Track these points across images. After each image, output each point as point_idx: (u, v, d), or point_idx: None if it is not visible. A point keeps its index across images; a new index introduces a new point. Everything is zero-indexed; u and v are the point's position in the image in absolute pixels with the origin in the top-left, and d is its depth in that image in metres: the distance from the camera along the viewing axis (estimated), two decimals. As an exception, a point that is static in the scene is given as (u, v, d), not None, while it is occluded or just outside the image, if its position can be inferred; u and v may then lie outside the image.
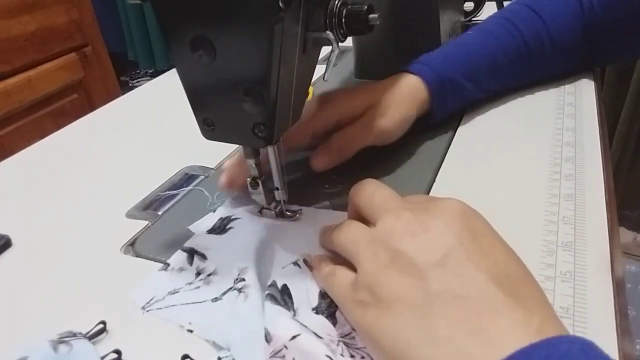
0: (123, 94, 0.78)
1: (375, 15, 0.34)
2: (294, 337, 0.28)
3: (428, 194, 0.43)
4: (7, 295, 0.37)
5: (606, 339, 0.28)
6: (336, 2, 0.33)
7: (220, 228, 0.40)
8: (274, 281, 0.33)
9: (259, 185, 0.38)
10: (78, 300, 0.35)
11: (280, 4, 0.28)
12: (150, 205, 0.46)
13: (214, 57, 0.31)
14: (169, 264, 0.37)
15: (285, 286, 0.33)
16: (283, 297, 0.32)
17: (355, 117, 0.45)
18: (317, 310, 0.31)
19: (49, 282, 0.38)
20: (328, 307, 0.31)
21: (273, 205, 0.40)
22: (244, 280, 0.33)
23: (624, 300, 0.32)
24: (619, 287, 0.32)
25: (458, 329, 0.23)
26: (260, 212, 0.41)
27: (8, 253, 0.42)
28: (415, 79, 0.48)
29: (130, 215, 0.45)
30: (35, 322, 0.34)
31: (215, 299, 0.34)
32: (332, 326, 0.30)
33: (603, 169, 0.43)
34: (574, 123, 0.51)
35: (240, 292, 0.33)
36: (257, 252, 0.37)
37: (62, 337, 0.30)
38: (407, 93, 0.47)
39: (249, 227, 0.40)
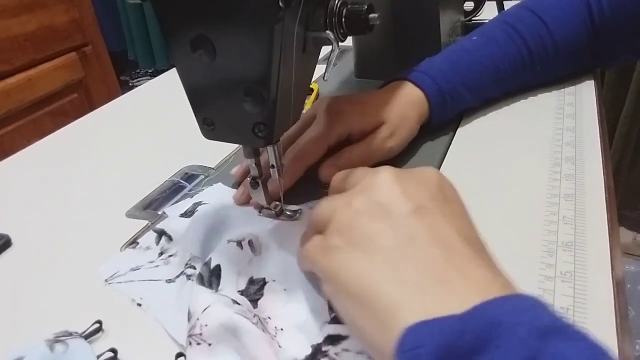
0: (123, 94, 0.78)
1: (376, 15, 0.34)
2: (205, 309, 0.29)
3: (428, 194, 0.43)
4: (7, 294, 0.37)
5: (606, 340, 0.28)
6: (336, 2, 0.33)
7: (191, 213, 0.41)
8: (210, 260, 0.34)
9: (259, 185, 0.38)
10: (78, 300, 0.35)
11: (281, 4, 0.28)
12: (150, 205, 0.46)
13: (215, 57, 0.31)
14: (138, 243, 0.39)
15: (218, 267, 0.33)
16: (211, 278, 0.33)
17: (366, 133, 0.45)
18: (242, 293, 0.32)
19: (49, 281, 0.38)
20: (255, 294, 0.32)
21: (273, 205, 0.40)
22: (194, 268, 0.35)
23: (624, 300, 0.32)
24: (619, 287, 0.32)
25: (427, 275, 0.24)
26: (260, 212, 0.41)
27: (8, 253, 0.42)
28: (417, 92, 0.49)
29: (131, 215, 0.45)
30: (35, 322, 0.34)
31: (169, 281, 0.35)
32: (252, 307, 0.31)
33: (603, 169, 0.43)
34: (575, 123, 0.51)
35: (189, 279, 0.34)
36: (208, 235, 0.37)
37: (58, 337, 0.30)
38: (412, 109, 0.48)
39: (211, 213, 0.40)
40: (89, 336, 0.31)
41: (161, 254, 0.38)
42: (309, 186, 0.45)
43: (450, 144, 0.50)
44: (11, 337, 0.33)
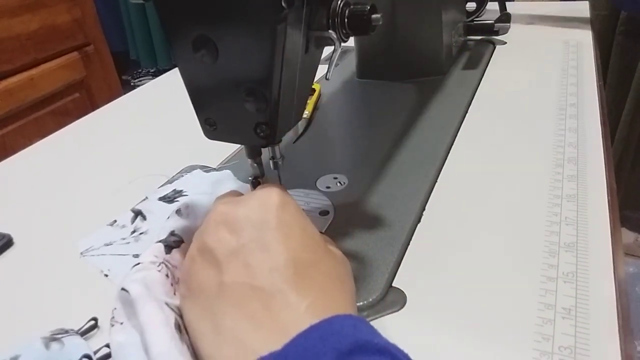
0: (125, 94, 0.78)
1: (378, 16, 0.34)
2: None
3: (430, 194, 0.43)
4: (8, 293, 0.37)
5: (608, 340, 0.28)
6: (339, 2, 0.33)
7: (170, 198, 0.44)
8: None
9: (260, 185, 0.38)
10: (79, 300, 0.35)
11: (283, 4, 0.28)
12: (152, 205, 0.46)
13: (216, 57, 0.31)
14: (116, 220, 0.42)
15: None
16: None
17: None
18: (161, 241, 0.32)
19: (51, 281, 0.38)
20: (172, 243, 0.32)
21: None
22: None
23: (626, 301, 0.32)
24: (621, 288, 0.32)
25: (240, 318, 0.24)
26: None
27: (10, 252, 0.42)
28: None
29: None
30: (37, 320, 0.34)
31: (135, 255, 0.37)
32: (162, 250, 0.31)
33: (605, 170, 0.43)
34: (577, 124, 0.51)
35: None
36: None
37: (54, 334, 0.30)
38: None
39: (194, 205, 0.39)
40: (84, 333, 0.31)
41: (133, 231, 0.41)
42: (307, 177, 0.45)
43: (452, 145, 0.50)
44: (13, 336, 0.33)
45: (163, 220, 0.36)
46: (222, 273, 0.26)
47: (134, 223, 0.42)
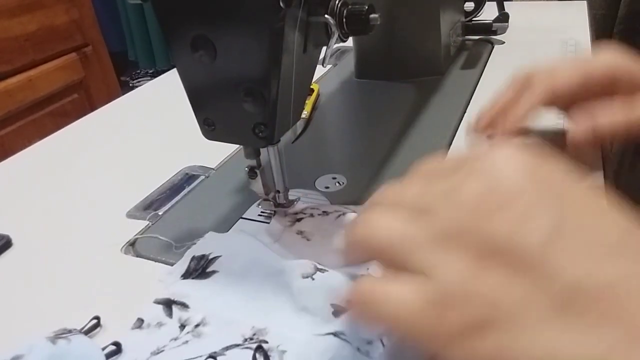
0: (123, 94, 0.78)
1: (376, 16, 0.34)
2: None
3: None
4: (7, 294, 0.37)
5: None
6: (337, 2, 0.33)
7: (198, 271, 0.35)
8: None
9: (257, 175, 0.38)
10: (78, 301, 0.35)
11: (281, 4, 0.28)
12: (151, 205, 0.46)
13: (215, 57, 0.31)
14: (142, 320, 0.32)
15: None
16: None
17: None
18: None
19: (50, 282, 0.38)
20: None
21: (271, 195, 0.40)
22: (265, 342, 0.29)
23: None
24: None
25: (620, 332, 0.16)
26: (258, 205, 0.41)
27: (8, 253, 0.42)
28: None
29: (131, 215, 0.45)
30: (36, 322, 0.34)
31: (215, 355, 0.29)
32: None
33: (604, 169, 0.43)
34: (575, 123, 0.51)
35: (264, 354, 0.28)
36: (262, 300, 0.32)
37: (57, 334, 0.30)
38: None
39: (235, 266, 0.34)
40: (87, 332, 0.31)
41: (182, 326, 0.31)
42: (305, 177, 0.45)
43: (450, 144, 0.51)
44: (11, 337, 0.33)
45: (214, 300, 0.32)
46: (551, 274, 0.17)
47: (174, 316, 0.32)
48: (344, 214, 0.39)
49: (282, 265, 0.33)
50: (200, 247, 0.36)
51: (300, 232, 0.38)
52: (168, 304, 0.33)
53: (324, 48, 0.35)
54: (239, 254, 0.35)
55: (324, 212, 0.39)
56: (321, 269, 0.31)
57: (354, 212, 0.39)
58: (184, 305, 0.32)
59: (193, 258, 0.36)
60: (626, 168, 1.35)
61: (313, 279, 0.30)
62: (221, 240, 0.37)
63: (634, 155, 1.33)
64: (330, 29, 0.33)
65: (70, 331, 0.31)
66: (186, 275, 0.35)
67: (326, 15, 0.33)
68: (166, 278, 0.35)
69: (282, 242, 0.38)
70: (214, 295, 0.33)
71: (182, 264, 0.36)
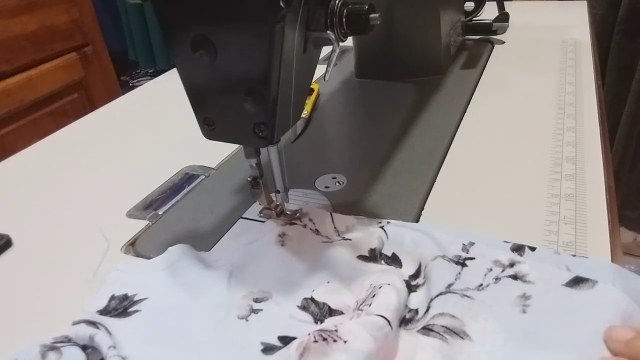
0: (123, 94, 0.78)
1: (376, 15, 0.34)
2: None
3: (428, 193, 0.43)
4: (7, 294, 0.37)
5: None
6: (337, 1, 0.33)
7: (119, 310, 0.32)
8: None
9: (259, 185, 0.38)
10: (78, 300, 0.35)
11: (281, 4, 0.28)
12: (151, 205, 0.46)
13: (215, 57, 0.31)
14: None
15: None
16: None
17: None
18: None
19: (50, 281, 0.38)
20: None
21: (273, 205, 0.40)
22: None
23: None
24: (619, 287, 0.32)
25: None
26: (260, 213, 0.41)
27: (9, 253, 0.42)
28: None
29: (131, 215, 0.45)
30: (35, 322, 0.34)
31: None
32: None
33: (604, 169, 0.43)
34: (575, 123, 0.51)
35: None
36: (189, 339, 0.31)
37: (56, 342, 0.30)
38: None
39: (164, 305, 0.33)
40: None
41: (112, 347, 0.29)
42: (305, 177, 0.45)
43: (451, 143, 0.50)
44: (11, 337, 0.33)
45: (134, 340, 0.30)
46: None
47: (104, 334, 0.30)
48: (331, 242, 0.37)
49: (219, 300, 0.33)
50: (120, 284, 0.34)
51: (281, 235, 0.38)
52: (92, 323, 0.31)
53: (327, 61, 0.34)
54: (169, 294, 0.33)
55: (316, 229, 0.38)
56: (256, 310, 0.32)
57: (343, 243, 0.36)
58: (107, 331, 0.30)
59: (113, 297, 0.33)
60: (627, 168, 1.35)
61: (247, 321, 0.31)
62: (147, 276, 0.35)
63: (634, 155, 1.33)
64: (332, 45, 0.33)
65: (69, 340, 0.30)
66: (104, 312, 0.32)
67: (328, 32, 0.33)
68: (79, 315, 0.32)
69: (259, 243, 0.37)
70: (136, 334, 0.31)
71: (100, 300, 0.33)
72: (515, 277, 0.31)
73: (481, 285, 0.31)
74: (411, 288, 0.32)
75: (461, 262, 0.32)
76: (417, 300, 0.31)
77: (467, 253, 0.33)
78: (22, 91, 1.28)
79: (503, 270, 0.31)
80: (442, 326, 0.29)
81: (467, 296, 0.30)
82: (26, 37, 1.27)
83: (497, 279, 0.31)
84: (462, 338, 0.28)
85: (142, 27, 2.53)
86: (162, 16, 0.31)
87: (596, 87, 0.59)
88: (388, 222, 0.38)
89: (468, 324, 0.29)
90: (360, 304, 0.31)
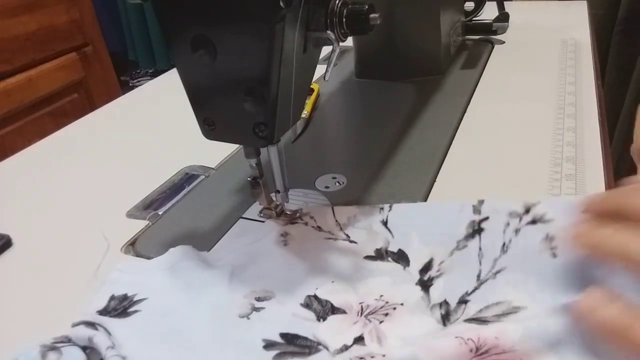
0: (123, 94, 0.78)
1: (376, 15, 0.34)
2: None
3: (428, 193, 0.43)
4: (7, 294, 0.37)
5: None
6: (337, 1, 0.33)
7: (118, 310, 0.32)
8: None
9: (259, 185, 0.38)
10: (78, 300, 0.35)
11: (281, 4, 0.28)
12: (151, 205, 0.46)
13: (215, 57, 0.31)
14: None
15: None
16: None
17: None
18: None
19: (50, 282, 0.38)
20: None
21: (273, 205, 0.40)
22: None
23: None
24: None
25: None
26: (260, 213, 0.41)
27: (8, 253, 0.42)
28: None
29: (131, 215, 0.45)
30: (35, 322, 0.34)
31: None
32: None
33: (604, 169, 0.43)
34: (575, 123, 0.51)
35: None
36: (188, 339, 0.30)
37: (56, 342, 0.30)
38: None
39: (164, 305, 0.33)
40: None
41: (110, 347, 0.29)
42: (305, 177, 0.45)
43: (451, 143, 0.50)
44: (11, 337, 0.33)
45: (134, 340, 0.30)
46: None
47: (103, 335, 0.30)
48: (335, 239, 0.37)
49: (220, 300, 0.33)
50: (120, 285, 0.34)
51: (284, 234, 0.38)
52: (91, 324, 0.31)
53: (327, 61, 0.34)
54: (169, 294, 0.33)
55: (318, 226, 0.38)
56: (258, 308, 0.32)
57: (346, 240, 0.37)
58: (106, 332, 0.30)
59: (113, 297, 0.33)
60: (626, 168, 1.35)
61: (249, 319, 0.31)
62: (147, 277, 0.35)
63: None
64: (332, 45, 0.33)
65: (70, 340, 0.30)
66: (103, 312, 0.32)
67: (328, 32, 0.33)
68: (79, 316, 0.32)
69: (261, 243, 0.37)
70: (136, 334, 0.30)
71: (99, 300, 0.33)
72: (534, 221, 0.31)
73: (504, 244, 0.31)
74: (426, 283, 0.32)
75: (477, 229, 0.32)
76: (438, 292, 0.31)
77: (479, 215, 0.33)
78: (22, 91, 1.28)
79: (520, 220, 0.31)
80: (494, 315, 0.29)
81: (498, 272, 0.30)
82: (26, 37, 1.27)
83: (517, 231, 0.31)
84: (516, 312, 0.28)
85: (142, 27, 2.54)
86: (162, 16, 0.31)
87: (596, 87, 0.59)
88: (390, 208, 0.38)
89: (514, 298, 0.29)
90: (368, 313, 0.31)
